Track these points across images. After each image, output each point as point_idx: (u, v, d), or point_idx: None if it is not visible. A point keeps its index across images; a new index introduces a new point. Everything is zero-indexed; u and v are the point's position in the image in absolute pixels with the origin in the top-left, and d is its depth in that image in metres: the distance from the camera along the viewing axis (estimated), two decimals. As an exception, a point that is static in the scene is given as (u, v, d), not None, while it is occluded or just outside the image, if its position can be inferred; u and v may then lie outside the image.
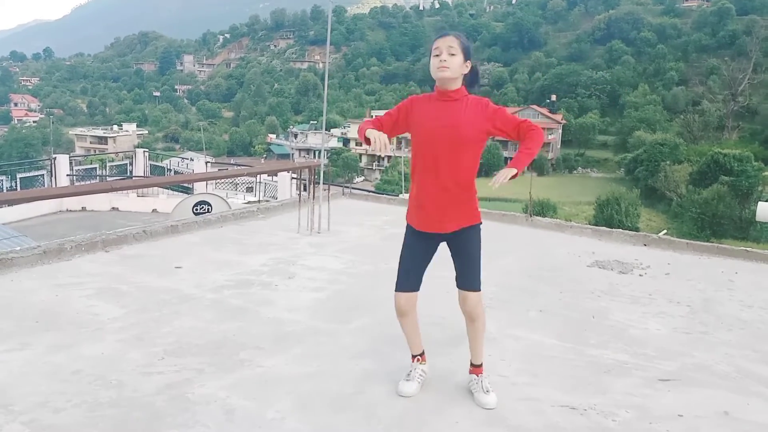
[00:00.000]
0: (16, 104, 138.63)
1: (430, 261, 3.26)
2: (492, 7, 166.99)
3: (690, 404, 3.32)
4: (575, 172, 79.30)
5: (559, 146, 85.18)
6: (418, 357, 3.40)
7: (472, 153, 3.06)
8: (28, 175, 16.57)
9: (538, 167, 77.07)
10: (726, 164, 49.13)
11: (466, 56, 3.04)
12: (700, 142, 69.17)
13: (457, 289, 3.20)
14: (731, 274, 5.98)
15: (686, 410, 3.25)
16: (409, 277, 3.22)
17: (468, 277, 3.18)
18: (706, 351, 4.08)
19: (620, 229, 7.79)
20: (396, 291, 3.24)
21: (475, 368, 3.32)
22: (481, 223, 3.22)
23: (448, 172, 3.04)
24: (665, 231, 34.13)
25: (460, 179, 3.06)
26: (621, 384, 3.53)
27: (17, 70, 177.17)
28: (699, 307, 4.98)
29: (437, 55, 3.02)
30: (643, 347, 4.08)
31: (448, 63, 2.99)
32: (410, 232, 3.26)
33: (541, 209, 38.09)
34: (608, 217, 40.31)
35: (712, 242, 8.94)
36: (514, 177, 2.96)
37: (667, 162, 56.70)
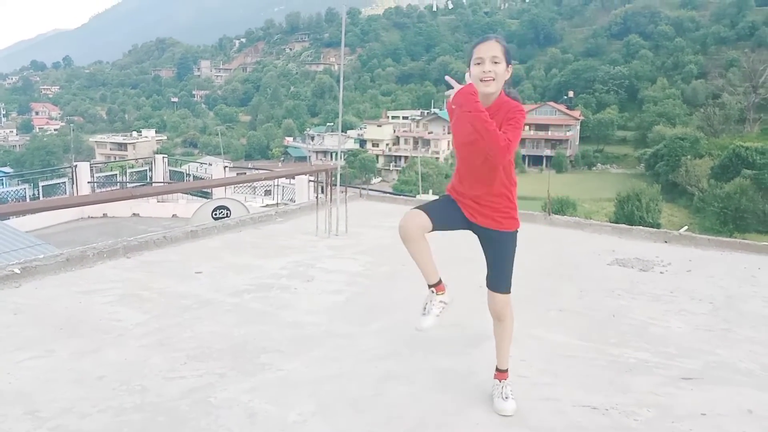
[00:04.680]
0: (37, 113, 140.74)
1: (456, 226, 3.12)
2: (507, 5, 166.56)
3: (713, 403, 3.29)
4: (594, 168, 78.73)
5: (577, 143, 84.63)
6: (434, 287, 3.11)
7: (503, 164, 2.94)
8: (50, 182, 16.79)
9: (557, 164, 76.69)
10: (748, 157, 48.54)
11: (508, 61, 2.87)
12: (721, 135, 68.34)
13: (486, 288, 3.12)
14: (754, 270, 5.90)
15: (709, 409, 3.22)
16: (429, 211, 3.01)
17: (497, 278, 3.09)
18: (730, 348, 4.04)
19: (640, 227, 7.72)
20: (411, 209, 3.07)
21: (500, 373, 3.24)
22: (517, 230, 3.11)
23: (481, 182, 2.98)
24: (686, 227, 33.73)
25: (493, 189, 2.99)
26: (643, 383, 3.50)
27: (38, 78, 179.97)
28: (721, 303, 4.93)
29: (479, 64, 2.82)
30: (665, 345, 4.05)
31: (493, 73, 2.81)
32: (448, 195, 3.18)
33: (560, 207, 37.89)
34: (629, 213, 39.99)
35: (736, 237, 8.83)
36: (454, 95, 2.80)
37: (688, 156, 56.12)
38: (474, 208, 3.06)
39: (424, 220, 2.97)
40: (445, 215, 3.08)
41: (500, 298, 3.11)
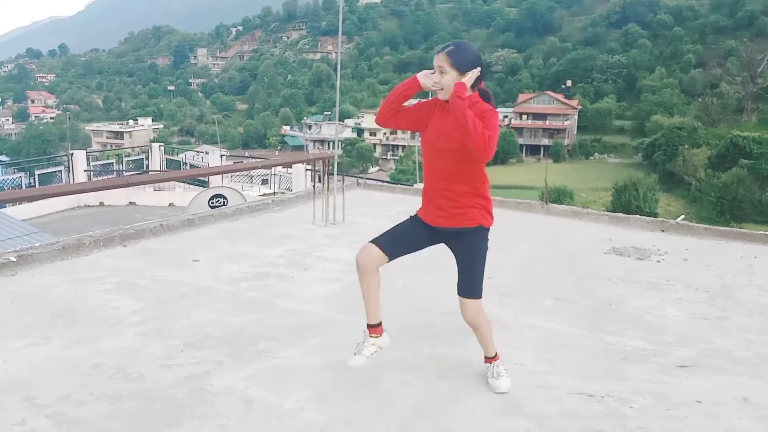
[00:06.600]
0: (33, 101, 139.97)
1: (418, 247, 3.20)
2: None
3: (709, 390, 3.30)
4: (592, 157, 78.67)
5: (575, 132, 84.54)
6: (372, 328, 3.22)
7: (469, 163, 2.95)
8: (46, 171, 16.75)
9: (555, 154, 76.66)
10: (745, 147, 48.57)
11: (463, 69, 2.91)
12: (718, 125, 68.26)
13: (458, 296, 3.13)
14: (750, 259, 5.92)
15: (705, 396, 3.23)
16: (387, 238, 3.13)
17: (466, 283, 3.09)
18: (725, 337, 4.05)
19: (637, 215, 7.73)
20: (368, 242, 3.15)
21: (489, 359, 3.32)
22: (488, 228, 3.10)
23: (446, 180, 3.02)
24: (683, 216, 33.84)
25: (458, 188, 3.01)
26: (639, 371, 3.52)
27: (33, 66, 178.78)
28: (717, 292, 4.94)
29: (434, 72, 2.98)
30: (661, 334, 4.06)
31: (441, 84, 2.95)
32: (415, 215, 3.23)
33: (557, 196, 37.89)
34: (626, 202, 40.01)
35: (732, 227, 8.85)
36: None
37: (686, 146, 56.08)
38: (445, 209, 3.05)
39: (376, 253, 3.09)
40: (405, 240, 3.17)
41: (472, 304, 3.09)
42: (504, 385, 3.21)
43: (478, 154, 2.81)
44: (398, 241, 3.15)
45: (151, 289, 4.76)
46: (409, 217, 3.24)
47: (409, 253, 3.20)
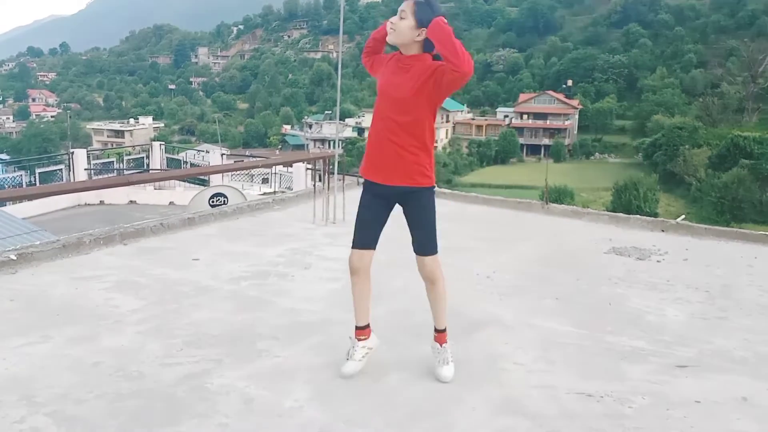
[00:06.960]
0: (34, 99, 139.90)
1: (384, 220, 3.29)
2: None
3: (708, 390, 3.30)
4: (592, 157, 78.72)
5: (575, 132, 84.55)
6: (360, 330, 3.34)
7: (416, 117, 3.07)
8: (46, 169, 16.75)
9: (555, 154, 76.67)
10: (746, 147, 48.59)
11: (420, 23, 3.00)
12: (719, 125, 68.23)
13: (415, 255, 3.25)
14: (750, 259, 5.92)
15: (704, 396, 3.23)
16: (363, 234, 3.27)
17: (422, 242, 3.22)
18: (725, 337, 4.05)
19: (638, 215, 7.73)
20: (351, 248, 3.29)
21: (439, 334, 3.34)
22: (433, 187, 3.22)
23: (394, 131, 3.10)
24: (683, 216, 33.81)
25: (405, 140, 3.10)
26: (638, 371, 3.52)
27: (34, 65, 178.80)
28: (717, 292, 4.94)
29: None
30: (661, 334, 4.06)
31: (395, 26, 3.06)
32: (364, 188, 3.32)
33: (557, 196, 37.90)
34: (626, 202, 40.06)
35: (732, 227, 8.86)
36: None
37: (686, 146, 56.09)
38: (387, 167, 3.14)
39: (366, 254, 3.28)
40: (372, 224, 3.28)
41: (429, 261, 3.22)
42: (449, 374, 3.27)
43: (460, 66, 2.85)
44: (369, 230, 3.28)
45: (151, 287, 4.76)
46: (360, 196, 3.33)
47: (381, 230, 3.30)
